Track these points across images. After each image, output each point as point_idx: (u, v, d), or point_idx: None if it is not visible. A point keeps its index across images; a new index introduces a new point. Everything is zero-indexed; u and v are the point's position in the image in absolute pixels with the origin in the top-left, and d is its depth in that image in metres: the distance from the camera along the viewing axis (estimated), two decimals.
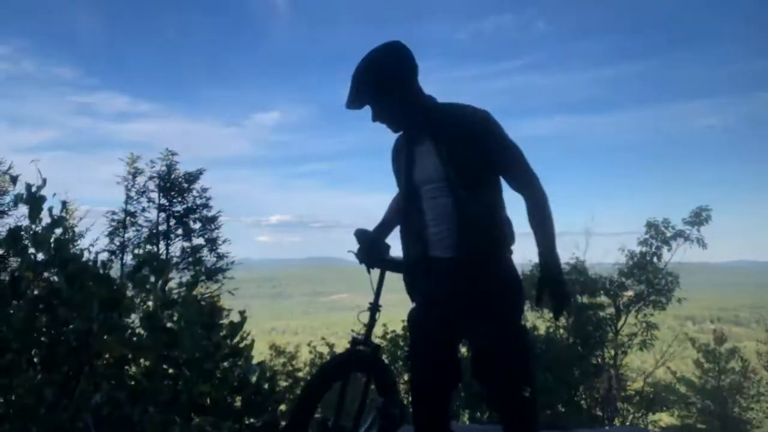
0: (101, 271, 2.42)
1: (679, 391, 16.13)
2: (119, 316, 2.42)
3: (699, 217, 12.88)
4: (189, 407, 2.48)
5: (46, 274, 2.45)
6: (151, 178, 13.04)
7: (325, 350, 9.61)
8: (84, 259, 2.44)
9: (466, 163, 2.21)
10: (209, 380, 2.53)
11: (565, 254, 13.17)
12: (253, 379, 2.69)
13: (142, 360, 2.52)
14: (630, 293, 13.26)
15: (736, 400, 15.89)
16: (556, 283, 2.20)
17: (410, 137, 2.38)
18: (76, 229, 8.74)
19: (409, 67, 2.27)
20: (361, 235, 2.55)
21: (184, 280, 2.84)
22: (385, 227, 2.60)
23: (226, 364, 2.67)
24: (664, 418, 15.22)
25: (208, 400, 2.52)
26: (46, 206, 2.37)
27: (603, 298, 12.94)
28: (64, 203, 2.47)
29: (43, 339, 2.35)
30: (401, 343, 7.64)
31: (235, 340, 2.71)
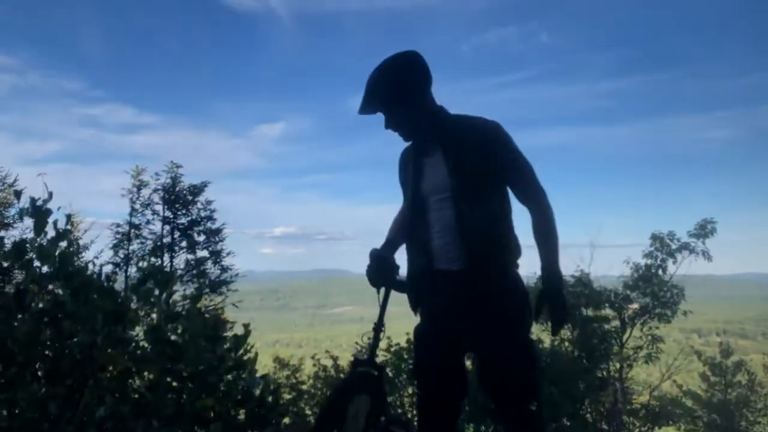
0: (106, 284, 2.43)
1: (686, 405, 16.01)
2: (123, 329, 2.42)
3: (704, 230, 12.83)
4: (193, 420, 2.47)
5: (50, 287, 2.46)
6: (155, 190, 13.07)
7: (329, 363, 9.57)
8: (88, 271, 2.44)
9: (474, 175, 2.22)
10: (213, 393, 2.53)
11: (570, 267, 13.15)
12: (257, 392, 2.68)
13: (146, 373, 2.52)
14: (635, 306, 13.20)
15: (743, 414, 15.77)
16: (556, 297, 2.21)
17: (419, 147, 2.38)
18: (81, 242, 8.78)
19: (422, 78, 2.28)
20: (373, 254, 2.50)
21: (188, 292, 2.85)
22: (390, 245, 2.56)
23: (230, 377, 2.66)
24: None
25: (212, 414, 2.51)
26: (51, 219, 2.38)
27: (608, 311, 12.87)
28: (68, 216, 2.48)
29: (47, 352, 2.35)
30: (405, 356, 7.61)
31: (239, 353, 2.70)
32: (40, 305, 2.39)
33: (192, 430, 2.49)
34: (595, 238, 14.36)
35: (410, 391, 7.44)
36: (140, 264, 2.67)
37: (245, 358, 2.72)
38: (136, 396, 2.46)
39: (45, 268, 2.39)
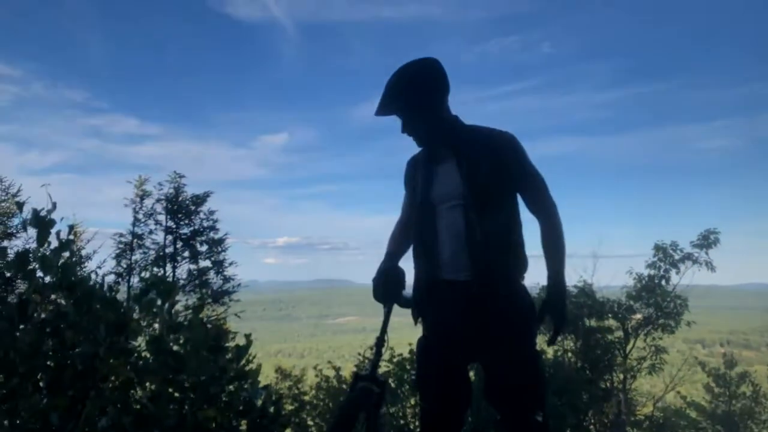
0: (108, 295, 2.43)
1: (690, 416, 15.90)
2: (126, 339, 2.42)
3: (707, 240, 12.80)
4: (195, 431, 2.47)
5: (53, 297, 2.46)
6: (158, 200, 13.08)
7: (332, 373, 9.54)
8: (91, 282, 2.45)
9: (487, 185, 2.22)
10: (215, 404, 2.52)
11: (573, 277, 13.11)
12: (259, 402, 2.67)
13: (148, 384, 2.52)
14: (638, 316, 13.14)
15: (747, 426, 15.64)
16: (559, 308, 2.23)
17: (432, 154, 2.38)
18: (84, 252, 8.79)
19: (442, 85, 2.29)
20: (381, 268, 2.45)
21: (190, 302, 2.84)
22: (391, 258, 2.54)
23: (232, 387, 2.65)
24: None
25: (214, 424, 2.50)
26: (54, 229, 2.38)
27: (611, 322, 12.82)
28: (71, 227, 2.49)
29: (49, 362, 2.35)
30: (408, 367, 7.58)
31: (241, 364, 2.69)
32: (43, 315, 2.39)
33: None
34: (598, 249, 14.34)
35: (413, 402, 7.41)
36: (143, 274, 2.67)
37: (247, 368, 2.71)
38: (138, 407, 2.45)
39: (48, 279, 2.40)
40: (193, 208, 13.27)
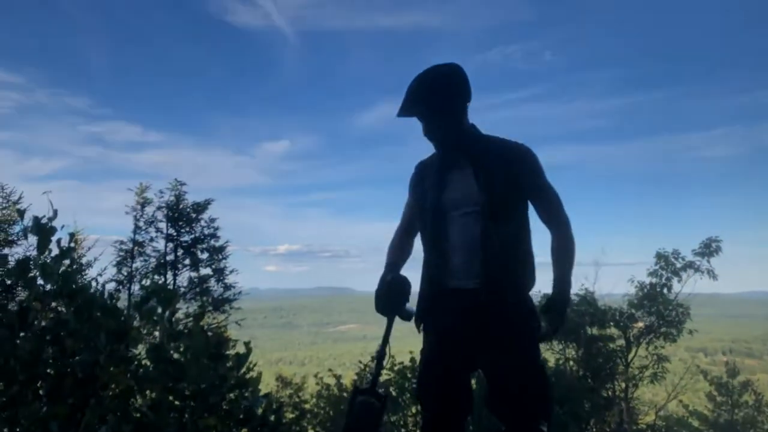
0: (108, 302, 2.42)
1: (692, 425, 15.85)
2: (126, 347, 2.41)
3: (709, 248, 12.78)
4: None
5: (53, 305, 2.45)
6: (159, 208, 13.09)
7: (332, 382, 9.52)
8: (92, 289, 2.44)
9: (503, 194, 2.23)
10: (215, 412, 2.51)
11: (575, 285, 13.08)
12: (260, 411, 2.66)
13: (148, 392, 2.51)
14: (640, 325, 13.11)
15: None
16: (559, 307, 2.26)
17: (446, 160, 2.38)
18: (84, 259, 8.78)
19: (463, 90, 2.31)
20: (384, 278, 2.42)
21: (191, 310, 2.84)
22: (391, 269, 2.51)
23: (232, 395, 2.64)
24: None
25: None
26: (55, 237, 2.38)
27: (613, 330, 12.79)
28: (72, 234, 2.48)
29: (49, 370, 2.34)
30: (409, 375, 7.57)
31: (242, 372, 2.68)
32: (43, 323, 2.38)
33: None
34: (600, 257, 14.32)
35: (414, 410, 7.39)
36: (143, 282, 2.66)
37: (248, 376, 2.70)
38: (138, 415, 2.44)
39: (48, 286, 2.39)
40: (194, 215, 13.27)
